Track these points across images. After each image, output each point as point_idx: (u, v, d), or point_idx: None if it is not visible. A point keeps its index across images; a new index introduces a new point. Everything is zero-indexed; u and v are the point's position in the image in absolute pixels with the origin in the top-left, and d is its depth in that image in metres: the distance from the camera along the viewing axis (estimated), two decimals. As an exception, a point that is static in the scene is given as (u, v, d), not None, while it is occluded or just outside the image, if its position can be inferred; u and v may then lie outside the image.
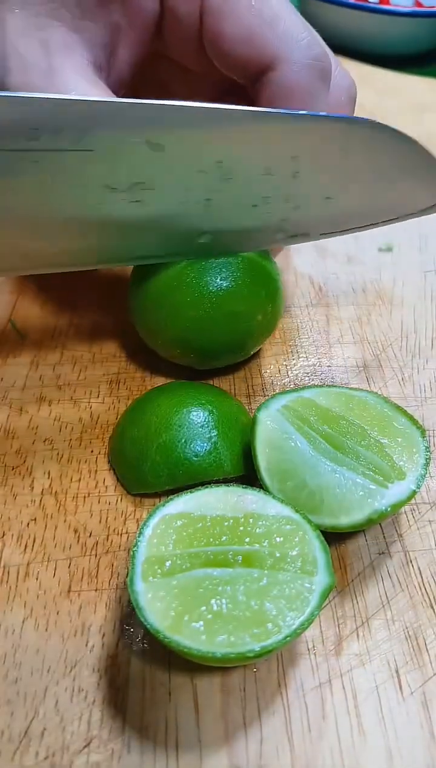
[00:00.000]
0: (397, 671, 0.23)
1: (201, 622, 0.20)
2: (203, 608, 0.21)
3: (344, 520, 0.24)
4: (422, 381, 0.34)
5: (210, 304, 0.29)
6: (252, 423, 0.28)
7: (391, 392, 0.34)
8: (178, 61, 0.33)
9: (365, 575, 0.26)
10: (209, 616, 0.21)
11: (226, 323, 0.30)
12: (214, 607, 0.21)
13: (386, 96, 0.64)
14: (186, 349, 0.31)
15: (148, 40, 0.31)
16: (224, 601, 0.21)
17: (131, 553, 0.22)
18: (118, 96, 0.29)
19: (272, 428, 0.27)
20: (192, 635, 0.20)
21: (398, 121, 0.59)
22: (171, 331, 0.30)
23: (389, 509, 0.24)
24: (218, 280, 0.29)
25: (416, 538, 0.27)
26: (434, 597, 0.25)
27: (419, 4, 0.72)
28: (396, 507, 0.24)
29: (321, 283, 0.41)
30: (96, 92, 0.27)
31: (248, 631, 0.20)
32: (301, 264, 0.42)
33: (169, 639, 0.20)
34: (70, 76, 0.27)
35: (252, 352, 0.34)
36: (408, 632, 0.24)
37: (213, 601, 0.21)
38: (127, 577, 0.22)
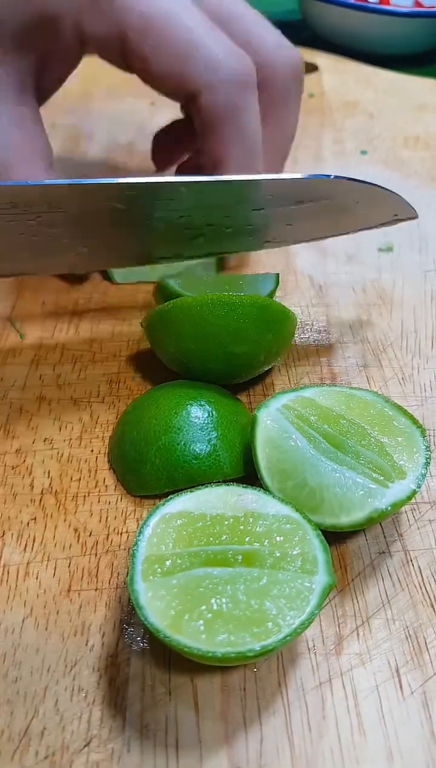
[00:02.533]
0: (397, 671, 0.23)
1: (201, 622, 0.20)
2: (203, 607, 0.21)
3: (345, 519, 0.24)
4: (423, 380, 0.34)
5: (212, 341, 0.29)
6: (252, 422, 0.28)
7: (391, 392, 0.34)
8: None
9: (365, 575, 0.26)
10: (209, 615, 0.21)
11: (225, 360, 0.30)
12: (215, 607, 0.21)
13: (386, 96, 0.64)
14: (187, 372, 0.31)
15: (75, 61, 0.35)
16: (224, 600, 0.21)
17: (131, 552, 0.22)
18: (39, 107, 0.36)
19: (272, 427, 0.27)
20: (192, 634, 0.20)
21: (398, 121, 0.59)
22: (174, 356, 0.31)
23: (389, 508, 0.24)
24: (220, 321, 0.29)
25: (417, 538, 0.27)
26: (434, 596, 0.25)
27: (419, 4, 0.72)
28: (397, 506, 0.24)
29: (321, 283, 0.41)
30: (28, 121, 0.33)
31: (248, 631, 0.20)
32: (301, 264, 0.42)
33: (170, 638, 0.20)
34: (5, 107, 0.32)
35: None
36: (408, 632, 0.24)
37: (213, 600, 0.21)
38: (127, 576, 0.22)
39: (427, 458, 0.26)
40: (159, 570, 0.22)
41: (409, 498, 0.24)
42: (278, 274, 0.35)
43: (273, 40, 0.34)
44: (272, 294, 0.34)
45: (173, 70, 0.31)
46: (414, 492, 0.24)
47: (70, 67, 0.36)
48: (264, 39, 0.34)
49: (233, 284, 0.34)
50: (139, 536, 0.23)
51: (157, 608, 0.21)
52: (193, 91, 0.31)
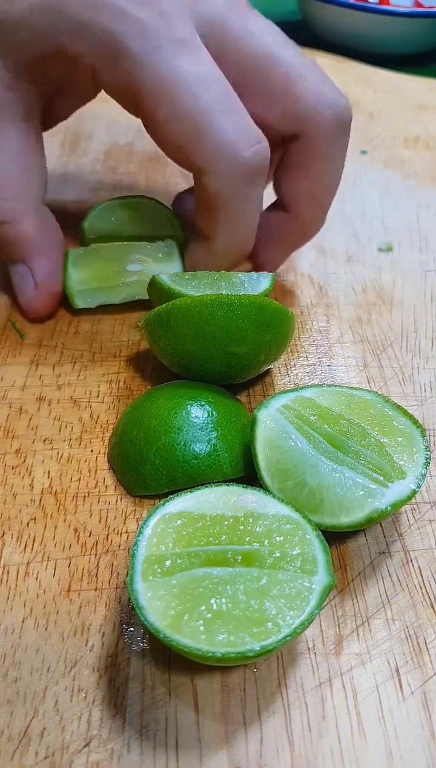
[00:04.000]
0: (397, 671, 0.23)
1: (201, 622, 0.20)
2: (203, 608, 0.21)
3: (345, 519, 0.24)
4: (423, 380, 0.34)
5: (211, 342, 0.29)
6: (252, 422, 0.28)
7: (391, 392, 0.34)
8: None
9: (365, 575, 0.26)
10: (209, 615, 0.21)
11: (224, 360, 0.30)
12: (214, 607, 0.21)
13: (386, 96, 0.64)
14: (187, 372, 0.31)
15: (88, 97, 0.35)
16: (223, 600, 0.21)
17: (131, 552, 0.22)
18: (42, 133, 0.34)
19: (271, 427, 0.27)
20: (192, 635, 0.20)
21: (398, 121, 0.59)
22: (173, 356, 0.31)
23: (389, 508, 0.24)
24: (219, 321, 0.29)
25: (417, 538, 0.27)
26: (434, 596, 0.25)
27: (419, 4, 0.72)
28: (397, 506, 0.24)
29: (321, 283, 0.41)
30: (26, 151, 0.32)
31: (248, 631, 0.20)
32: (301, 264, 0.42)
33: (170, 638, 0.20)
34: (7, 135, 0.31)
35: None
36: (408, 632, 0.24)
37: (213, 600, 0.21)
38: (127, 576, 0.22)
39: (427, 458, 0.26)
40: (159, 570, 0.22)
41: (409, 498, 0.24)
42: (274, 274, 0.35)
43: (313, 88, 0.31)
44: (266, 293, 0.34)
45: (181, 144, 0.29)
46: (414, 492, 0.24)
47: (82, 101, 0.36)
48: (303, 88, 0.31)
49: (228, 281, 0.34)
50: (138, 536, 0.23)
51: (157, 608, 0.21)
52: (196, 170, 0.30)
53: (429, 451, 0.26)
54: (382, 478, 0.25)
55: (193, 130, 0.29)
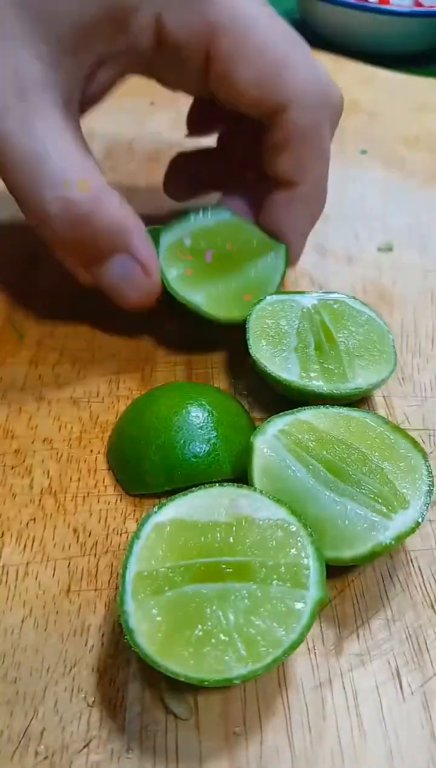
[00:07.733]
0: (397, 671, 0.23)
1: (188, 647, 0.20)
2: (192, 630, 0.20)
3: (347, 553, 0.23)
4: (423, 380, 0.34)
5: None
6: (248, 450, 0.26)
7: (391, 392, 0.34)
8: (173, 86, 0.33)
9: (365, 575, 0.26)
10: (199, 635, 0.20)
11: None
12: (201, 632, 0.20)
13: (386, 96, 0.64)
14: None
15: (132, 67, 0.31)
16: (210, 624, 0.21)
17: (121, 568, 0.22)
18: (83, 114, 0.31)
19: (269, 456, 0.26)
20: (179, 661, 0.20)
21: (398, 121, 0.59)
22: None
23: (393, 542, 0.23)
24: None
25: (417, 538, 0.27)
26: (434, 597, 0.25)
27: (419, 4, 0.72)
28: (400, 539, 0.23)
29: (321, 282, 0.41)
30: (67, 148, 0.28)
31: (236, 654, 0.20)
32: (301, 264, 0.42)
33: (157, 664, 0.20)
34: (44, 129, 0.27)
35: None
36: (408, 632, 0.24)
37: (200, 624, 0.21)
38: (117, 596, 0.21)
39: (430, 486, 0.25)
40: (149, 587, 0.21)
41: (413, 530, 0.23)
42: (285, 248, 0.34)
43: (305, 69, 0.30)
44: (283, 276, 0.34)
45: (264, 78, 0.28)
46: (418, 524, 0.24)
47: (123, 73, 0.32)
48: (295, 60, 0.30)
49: (242, 259, 0.33)
50: (129, 552, 0.22)
51: (145, 631, 0.20)
52: (280, 105, 0.29)
53: (432, 477, 0.25)
54: (385, 509, 0.24)
55: (281, 60, 0.28)
